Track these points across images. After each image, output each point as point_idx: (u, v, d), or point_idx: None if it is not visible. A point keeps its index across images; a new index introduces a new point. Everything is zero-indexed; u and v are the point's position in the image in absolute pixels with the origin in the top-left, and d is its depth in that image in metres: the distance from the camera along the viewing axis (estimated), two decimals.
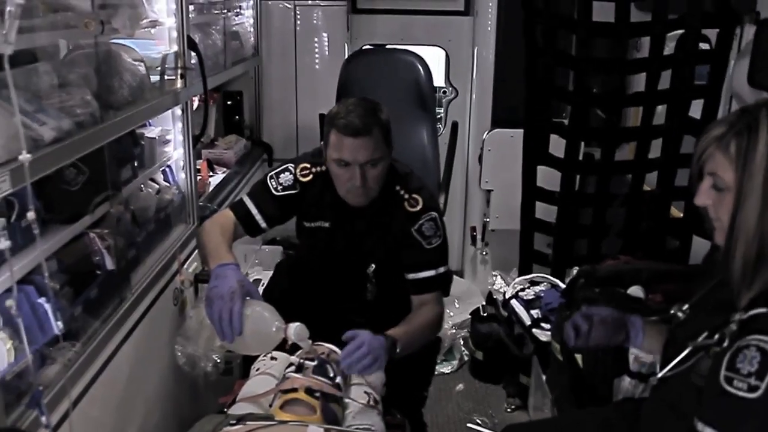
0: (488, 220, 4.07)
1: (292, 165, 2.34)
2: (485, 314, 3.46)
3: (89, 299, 1.86)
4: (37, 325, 1.53)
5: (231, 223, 2.28)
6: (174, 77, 2.52)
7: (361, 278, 2.38)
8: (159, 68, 2.46)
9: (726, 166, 1.37)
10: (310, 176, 2.31)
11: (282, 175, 2.32)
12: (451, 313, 3.80)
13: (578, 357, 2.19)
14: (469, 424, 3.21)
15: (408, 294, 2.33)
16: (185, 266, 2.56)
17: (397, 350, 2.07)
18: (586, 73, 2.97)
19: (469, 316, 3.61)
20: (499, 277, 3.41)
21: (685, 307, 1.65)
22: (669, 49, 3.03)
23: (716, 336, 1.43)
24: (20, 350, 1.53)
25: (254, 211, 2.31)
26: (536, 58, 2.98)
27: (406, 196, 2.27)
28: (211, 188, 3.23)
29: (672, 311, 1.67)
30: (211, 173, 3.42)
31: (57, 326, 1.51)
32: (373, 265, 2.36)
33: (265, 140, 4.08)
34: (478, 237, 4.13)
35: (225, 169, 3.51)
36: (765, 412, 1.29)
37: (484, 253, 4.16)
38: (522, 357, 3.19)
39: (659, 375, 1.61)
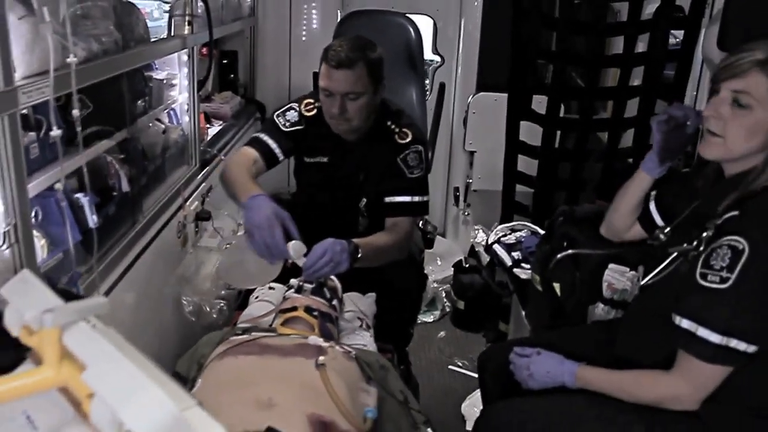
0: (471, 180, 4.24)
1: (296, 103, 2.50)
2: (467, 265, 3.65)
3: (108, 215, 2.01)
4: (73, 221, 1.67)
5: (252, 159, 2.42)
6: (182, 23, 2.66)
7: (353, 212, 2.54)
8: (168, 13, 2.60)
9: (763, 87, 1.50)
10: (314, 110, 2.47)
11: (288, 113, 2.48)
12: (434, 270, 3.99)
13: (556, 286, 2.37)
14: (450, 366, 3.40)
15: None
16: (187, 203, 2.70)
17: (359, 255, 2.21)
18: (568, 35, 3.15)
19: (452, 269, 3.80)
20: (480, 230, 3.59)
21: (667, 230, 1.82)
22: (647, 15, 3.21)
23: (694, 243, 1.61)
24: (50, 249, 1.69)
25: (273, 144, 2.46)
26: (522, 20, 3.15)
27: (397, 130, 2.45)
28: (209, 137, 3.36)
29: (655, 234, 1.84)
30: (208, 125, 3.55)
31: (92, 219, 1.66)
32: (365, 199, 2.52)
33: (258, 99, 4.21)
34: (461, 197, 4.30)
35: (221, 122, 3.64)
36: (735, 300, 1.48)
37: (466, 213, 4.33)
38: (502, 304, 3.38)
39: (642, 282, 1.80)
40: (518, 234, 2.96)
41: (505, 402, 1.90)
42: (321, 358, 1.80)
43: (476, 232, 3.63)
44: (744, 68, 1.53)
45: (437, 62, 4.46)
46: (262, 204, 2.12)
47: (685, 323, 1.54)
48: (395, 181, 2.45)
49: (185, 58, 2.76)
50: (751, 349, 1.50)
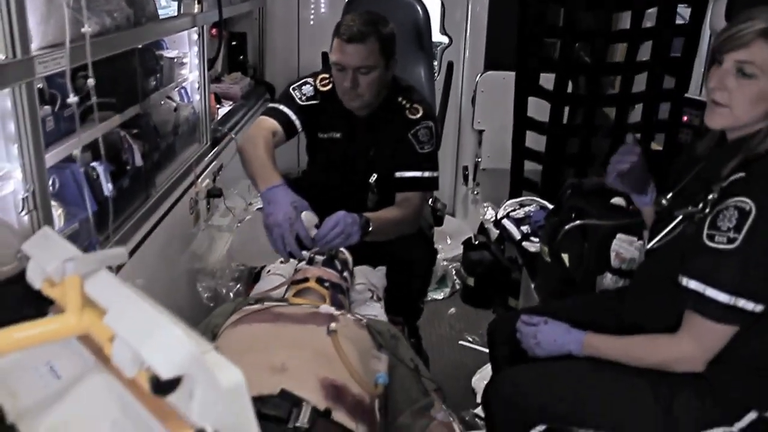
0: (479, 159, 4.26)
1: (311, 78, 2.52)
2: (476, 242, 3.68)
3: (122, 188, 2.05)
4: (89, 192, 1.70)
5: (272, 130, 2.40)
6: (192, 1, 2.68)
7: (363, 188, 2.56)
8: None
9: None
10: (330, 85, 2.48)
11: (304, 87, 2.50)
12: (443, 249, 4.02)
13: (565, 257, 2.39)
14: (460, 342, 3.43)
15: None
16: (199, 180, 2.74)
17: (370, 229, 2.23)
18: (575, 10, 3.16)
19: (461, 247, 3.82)
20: (490, 207, 3.61)
21: (669, 195, 1.85)
22: None
23: (700, 205, 1.64)
24: (68, 217, 1.73)
25: (292, 115, 2.46)
26: None
27: (408, 106, 2.46)
28: (219, 117, 3.39)
29: (658, 199, 1.87)
30: (218, 106, 3.58)
31: (108, 188, 1.70)
32: (375, 175, 2.54)
33: (267, 80, 4.24)
34: (470, 176, 4.32)
35: (231, 103, 3.67)
36: (742, 260, 1.50)
37: (475, 192, 4.35)
38: (511, 280, 3.41)
39: (648, 246, 1.82)
40: (527, 209, 2.99)
41: (513, 369, 1.93)
42: (332, 324, 1.83)
43: (485, 209, 3.65)
44: (747, 39, 1.55)
45: (445, 43, 4.47)
46: (281, 198, 2.12)
47: (693, 284, 1.57)
48: (406, 157, 2.47)
49: (195, 37, 2.79)
50: (759, 308, 1.53)
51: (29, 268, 1.05)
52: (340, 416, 1.58)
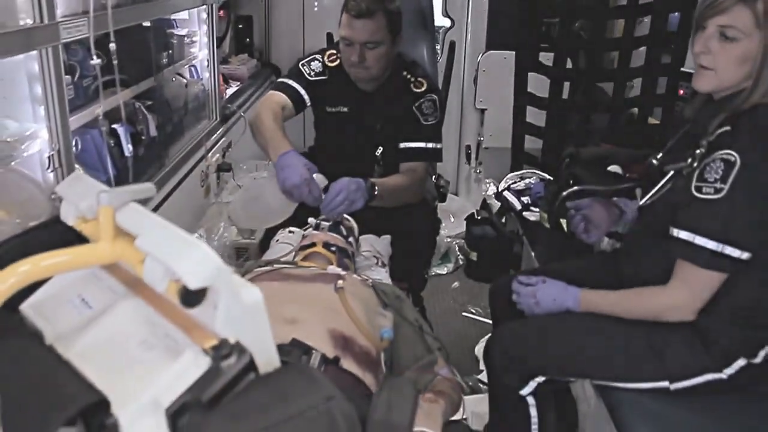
0: (482, 138, 4.35)
1: (319, 54, 2.61)
2: (479, 218, 3.76)
3: (138, 155, 2.14)
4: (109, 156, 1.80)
5: (281, 104, 2.50)
6: None
7: (370, 161, 2.65)
8: None
9: (748, 21, 1.61)
10: (337, 61, 2.58)
11: (313, 63, 2.59)
12: (447, 226, 4.11)
13: (563, 222, 2.48)
14: (464, 313, 3.52)
15: None
16: (209, 154, 2.83)
17: (375, 192, 2.32)
18: None
19: (464, 224, 3.91)
20: (492, 183, 3.69)
21: (659, 155, 1.93)
22: None
23: (689, 160, 1.72)
24: None
25: (300, 89, 2.56)
26: None
27: (413, 80, 2.55)
28: (227, 96, 3.48)
29: (649, 160, 1.95)
30: (226, 86, 3.67)
31: (128, 149, 1.79)
32: (381, 148, 2.63)
33: (273, 63, 4.32)
34: (473, 155, 4.40)
35: (238, 83, 3.75)
36: (728, 209, 1.59)
37: (477, 171, 4.44)
38: (513, 253, 3.50)
39: (641, 203, 1.91)
40: (527, 181, 3.07)
41: (513, 323, 2.02)
42: (339, 282, 1.92)
43: (488, 185, 3.74)
44: (727, 4, 1.64)
45: (447, 26, 4.54)
46: (295, 162, 2.22)
47: (683, 234, 1.65)
48: (410, 128, 2.56)
49: (204, 15, 2.88)
50: (745, 255, 1.61)
51: (63, 208, 1.14)
52: (348, 364, 1.67)
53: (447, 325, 3.41)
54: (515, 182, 3.10)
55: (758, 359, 1.74)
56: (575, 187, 2.44)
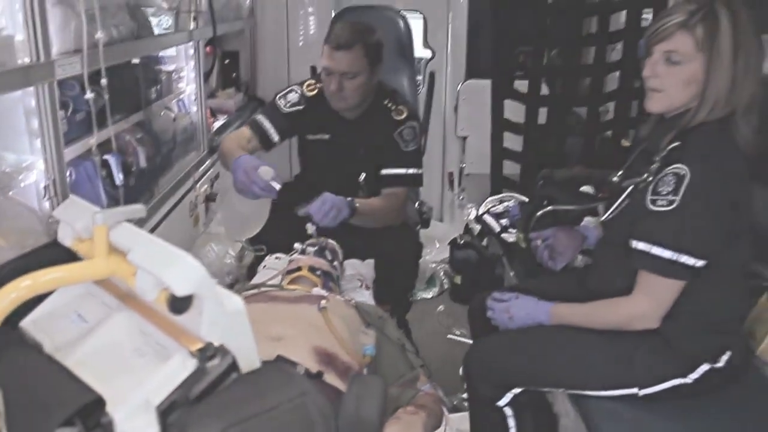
0: (464, 165, 4.47)
1: (298, 85, 2.73)
2: (462, 242, 3.86)
3: (129, 186, 2.24)
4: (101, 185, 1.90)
5: (246, 137, 2.64)
6: (188, 19, 2.90)
7: (353, 186, 2.75)
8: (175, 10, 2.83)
9: (689, 45, 1.73)
10: (316, 90, 2.70)
11: (289, 95, 2.72)
12: (432, 252, 4.21)
13: (539, 242, 2.58)
14: (449, 336, 3.60)
15: None
16: (198, 185, 2.93)
17: (357, 205, 2.48)
18: (543, 19, 3.39)
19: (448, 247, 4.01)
20: (473, 208, 3.80)
21: (620, 173, 2.05)
22: None
23: (644, 175, 1.84)
24: None
25: (267, 125, 2.69)
26: (501, 6, 3.39)
27: (393, 107, 2.68)
28: (215, 129, 3.59)
29: (609, 178, 2.07)
30: (213, 119, 3.77)
31: (119, 178, 1.89)
32: (364, 174, 2.74)
33: (259, 96, 4.44)
34: (455, 182, 4.52)
35: (226, 116, 3.87)
36: (680, 219, 1.70)
37: (461, 197, 4.55)
38: (495, 275, 3.59)
39: (603, 219, 2.02)
40: (506, 204, 3.18)
41: (490, 337, 2.11)
42: (323, 302, 2.01)
43: (470, 210, 3.85)
44: (670, 31, 1.76)
45: (428, 57, 4.68)
46: (241, 162, 2.37)
47: (641, 245, 1.76)
48: (392, 155, 2.68)
49: (191, 52, 2.99)
50: (699, 263, 1.72)
51: (60, 230, 1.24)
52: (330, 378, 1.75)
53: (432, 347, 3.47)
54: (494, 205, 3.20)
55: (721, 363, 1.84)
56: (549, 207, 2.55)
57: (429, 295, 4.03)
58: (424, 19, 4.59)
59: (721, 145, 1.75)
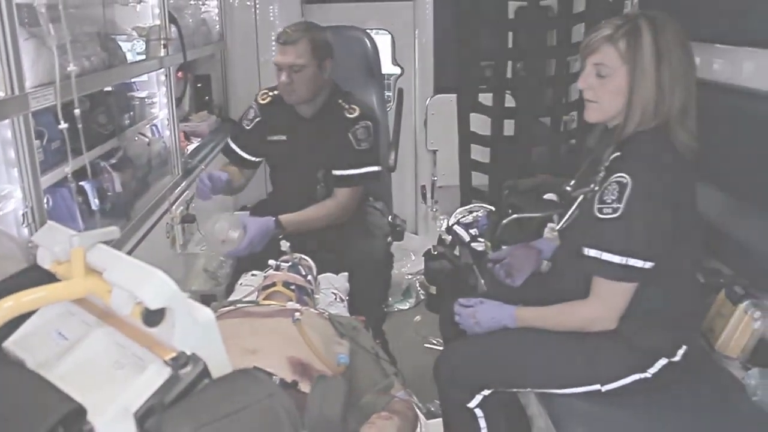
0: (436, 178, 4.57)
1: (254, 101, 2.94)
2: (435, 253, 3.95)
3: (104, 210, 2.31)
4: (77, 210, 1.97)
5: (236, 173, 2.90)
6: (158, 46, 2.97)
7: (312, 183, 2.89)
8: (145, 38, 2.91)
9: (614, 58, 1.86)
10: (268, 98, 2.92)
11: (249, 112, 2.95)
12: (407, 263, 4.31)
13: (504, 248, 2.68)
14: (426, 345, 3.69)
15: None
16: (173, 207, 3.00)
17: (284, 227, 2.67)
18: (505, 31, 3.51)
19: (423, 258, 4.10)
20: (446, 220, 3.89)
21: (572, 182, 2.16)
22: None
23: (592, 185, 1.94)
24: None
25: (235, 148, 2.93)
26: (464, 23, 3.51)
27: (346, 106, 2.85)
28: (189, 152, 3.66)
29: (563, 188, 2.18)
30: (187, 143, 3.84)
31: (95, 203, 1.96)
32: (322, 171, 2.87)
33: (232, 117, 4.51)
34: (428, 195, 4.62)
35: (199, 139, 3.94)
36: (625, 225, 1.80)
37: (434, 209, 4.65)
38: (470, 285, 3.68)
39: (557, 227, 2.12)
40: (475, 214, 3.28)
41: (458, 342, 2.20)
42: (297, 314, 2.08)
43: (442, 221, 3.94)
44: (597, 44, 1.89)
45: (398, 73, 4.79)
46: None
47: (592, 252, 1.85)
48: (345, 154, 2.84)
49: (163, 78, 3.07)
50: (648, 265, 1.82)
51: (39, 254, 1.31)
52: (305, 387, 1.82)
53: (410, 356, 3.54)
54: (464, 216, 3.31)
55: (677, 357, 1.94)
56: (513, 216, 2.65)
57: (406, 306, 4.11)
58: (392, 37, 4.70)
59: (659, 152, 1.85)
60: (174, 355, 1.08)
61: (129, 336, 1.19)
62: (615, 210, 1.79)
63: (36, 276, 1.30)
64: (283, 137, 2.90)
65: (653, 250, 1.82)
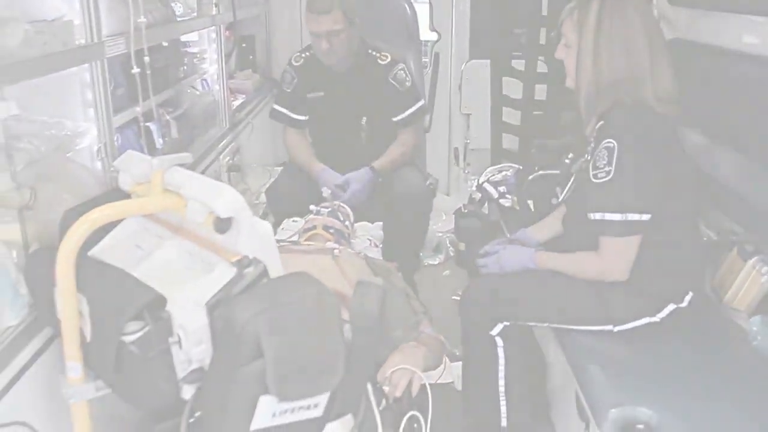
0: (468, 141, 4.73)
1: (288, 65, 3.14)
2: (466, 211, 4.12)
3: (162, 152, 2.52)
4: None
5: (298, 136, 3.15)
6: (210, 5, 3.17)
7: (356, 129, 3.12)
8: None
9: (571, 29, 2.03)
10: (302, 60, 3.12)
11: (285, 77, 3.15)
12: (438, 223, 4.49)
13: (530, 203, 2.85)
14: (453, 297, 3.87)
15: (389, 131, 3.13)
16: (221, 156, 3.21)
17: (377, 170, 2.96)
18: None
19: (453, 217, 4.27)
20: (476, 179, 4.05)
21: (570, 155, 2.33)
22: None
23: (585, 156, 2.10)
24: None
25: (285, 111, 3.15)
26: None
27: (377, 55, 3.06)
28: (235, 107, 3.87)
29: (562, 160, 2.35)
30: (233, 99, 4.05)
31: (159, 141, 2.17)
32: (365, 117, 3.10)
33: (275, 77, 4.70)
34: (461, 157, 4.78)
35: (244, 96, 4.14)
36: (619, 183, 1.95)
37: (466, 171, 4.81)
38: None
39: (560, 199, 2.29)
40: (504, 173, 3.43)
41: (484, 277, 2.37)
42: (336, 251, 2.28)
43: (473, 181, 4.10)
44: (563, 16, 2.06)
45: (434, 39, 4.92)
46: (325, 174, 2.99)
47: (596, 215, 2.00)
48: (394, 100, 3.07)
49: (213, 35, 3.27)
50: (645, 217, 1.97)
51: (120, 177, 1.52)
52: (343, 314, 2.02)
53: (439, 307, 3.74)
54: (493, 175, 3.46)
55: (684, 303, 2.09)
56: (540, 172, 2.81)
57: (436, 261, 4.29)
58: (430, 4, 4.83)
59: (638, 113, 1.99)
60: (239, 257, 1.29)
61: (199, 245, 1.40)
62: (608, 173, 1.94)
63: (117, 196, 1.52)
64: (321, 93, 3.10)
65: (647, 203, 1.97)
